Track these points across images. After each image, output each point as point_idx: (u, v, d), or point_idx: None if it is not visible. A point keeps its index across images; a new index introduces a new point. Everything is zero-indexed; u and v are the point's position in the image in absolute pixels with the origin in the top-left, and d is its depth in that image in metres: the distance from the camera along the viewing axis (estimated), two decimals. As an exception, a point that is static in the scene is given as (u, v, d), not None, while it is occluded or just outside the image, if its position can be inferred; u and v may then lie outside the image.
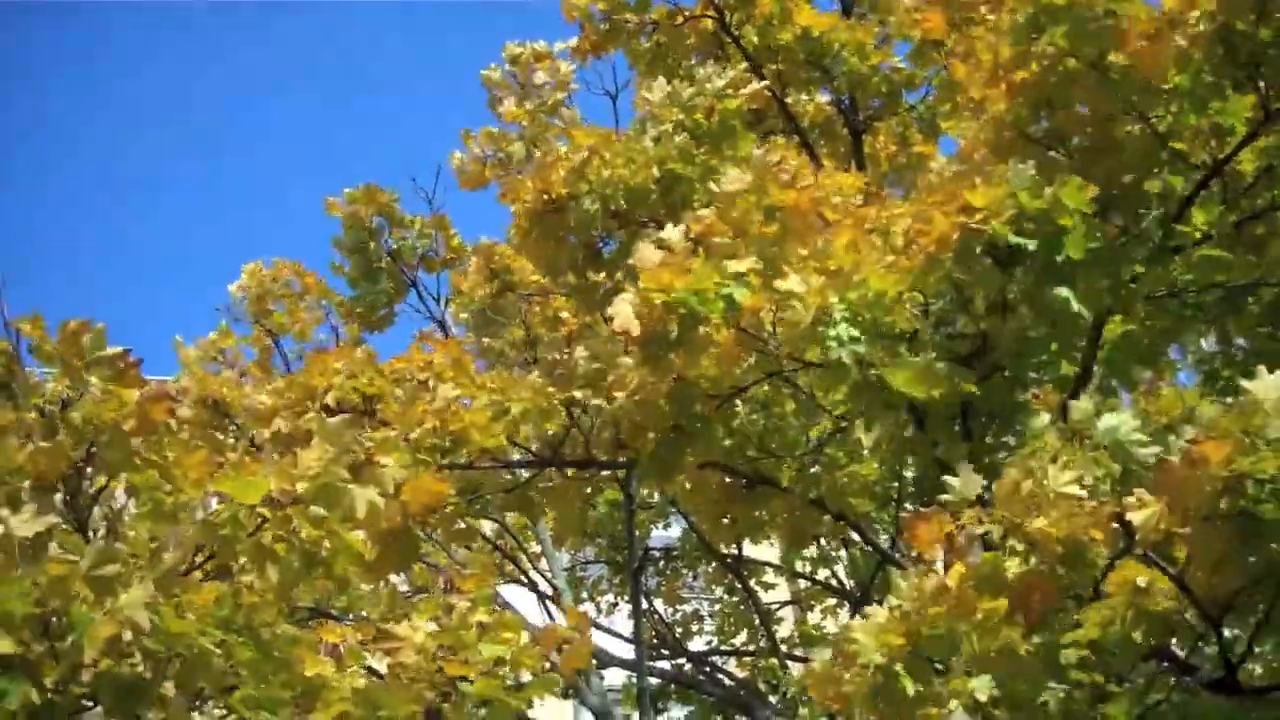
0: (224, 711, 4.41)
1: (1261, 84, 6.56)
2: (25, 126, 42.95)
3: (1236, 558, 4.74)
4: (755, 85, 8.32)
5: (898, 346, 6.48)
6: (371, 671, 6.64)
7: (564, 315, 10.99)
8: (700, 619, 15.52)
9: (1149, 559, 5.02)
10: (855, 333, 6.15)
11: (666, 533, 15.18)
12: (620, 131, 9.26)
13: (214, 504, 4.44)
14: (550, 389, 8.33)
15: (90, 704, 4.21)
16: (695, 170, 8.18)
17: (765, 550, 13.89)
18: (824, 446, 9.60)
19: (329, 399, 7.78)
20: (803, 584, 14.94)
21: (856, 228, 6.45)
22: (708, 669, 14.40)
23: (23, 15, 40.45)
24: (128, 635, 3.80)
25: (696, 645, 15.21)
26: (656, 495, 13.68)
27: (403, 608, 10.71)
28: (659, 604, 15.23)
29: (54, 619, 3.92)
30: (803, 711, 11.27)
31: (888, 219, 6.50)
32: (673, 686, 14.54)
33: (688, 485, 9.47)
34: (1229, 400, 6.37)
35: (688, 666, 14.61)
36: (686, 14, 9.54)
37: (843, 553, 13.52)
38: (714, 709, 14.22)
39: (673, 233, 6.76)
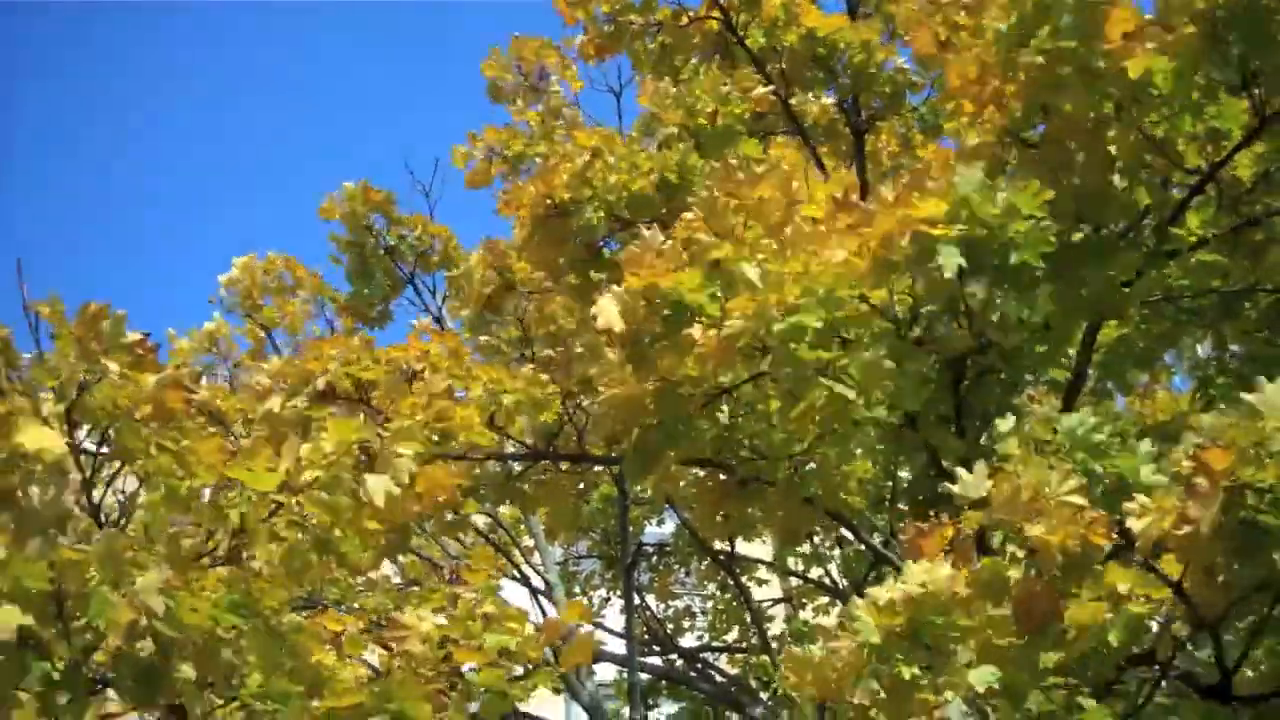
0: (232, 702, 4.46)
1: (1257, 90, 6.58)
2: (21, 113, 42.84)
3: (1235, 566, 4.79)
4: (761, 90, 8.37)
5: (859, 346, 6.43)
6: (367, 665, 6.70)
7: (561, 315, 11.02)
8: (692, 615, 15.56)
9: (1147, 566, 5.07)
10: (806, 321, 6.09)
11: (660, 529, 15.22)
12: (624, 132, 9.34)
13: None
14: (544, 378, 8.40)
15: (101, 685, 4.26)
16: (697, 175, 8.24)
17: (758, 548, 13.94)
18: (816, 446, 9.64)
19: (322, 383, 7.82)
20: (795, 582, 14.98)
21: (829, 227, 6.41)
22: (699, 665, 14.45)
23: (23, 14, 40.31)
24: (142, 620, 3.84)
25: (688, 641, 15.26)
26: (650, 491, 13.72)
27: (396, 599, 10.79)
28: (651, 600, 15.27)
29: (67, 600, 3.96)
30: (787, 711, 11.32)
31: (859, 218, 6.44)
32: (664, 682, 14.60)
33: (681, 482, 9.52)
34: (1223, 408, 6.45)
35: (679, 662, 14.66)
36: (691, 15, 9.57)
37: (835, 551, 13.56)
38: (704, 705, 14.27)
39: (655, 235, 6.77)
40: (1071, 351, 8.17)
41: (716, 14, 9.38)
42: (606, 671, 14.68)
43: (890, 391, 6.44)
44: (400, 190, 29.64)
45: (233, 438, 8.91)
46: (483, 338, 12.22)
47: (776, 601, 15.34)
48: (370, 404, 7.88)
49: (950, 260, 5.92)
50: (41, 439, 3.88)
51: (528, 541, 14.08)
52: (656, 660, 14.76)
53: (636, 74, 10.22)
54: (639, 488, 13.38)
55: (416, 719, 4.48)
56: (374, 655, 6.81)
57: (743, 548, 13.51)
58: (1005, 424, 5.73)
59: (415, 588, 12.45)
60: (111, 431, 4.20)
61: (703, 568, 14.89)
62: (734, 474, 9.14)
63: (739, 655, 15.03)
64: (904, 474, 10.54)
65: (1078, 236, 6.81)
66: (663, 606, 15.43)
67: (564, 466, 9.86)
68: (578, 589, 15.45)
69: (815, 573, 14.11)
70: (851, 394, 6.23)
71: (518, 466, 9.55)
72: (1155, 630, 5.52)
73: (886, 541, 10.80)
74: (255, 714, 4.13)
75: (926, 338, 6.70)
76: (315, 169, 45.78)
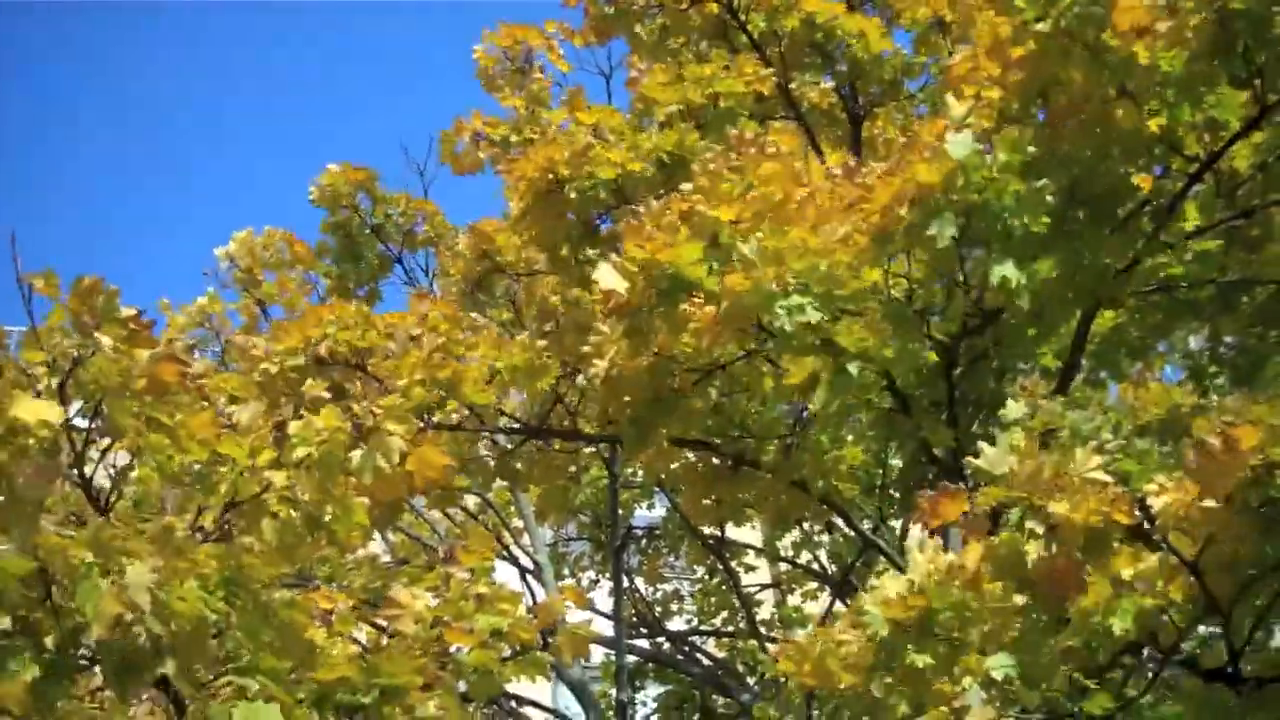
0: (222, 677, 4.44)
1: (1257, 82, 6.57)
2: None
3: (1255, 546, 4.81)
4: (763, 72, 8.34)
5: (855, 319, 6.41)
6: (356, 643, 6.69)
7: (552, 295, 11.00)
8: (680, 599, 15.57)
9: (1166, 545, 5.06)
10: (804, 301, 6.08)
11: (650, 512, 15.22)
12: (618, 112, 9.28)
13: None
14: (540, 345, 8.41)
15: (91, 663, 4.24)
16: (696, 155, 8.22)
17: (747, 532, 13.95)
18: (807, 428, 9.65)
19: (321, 349, 7.82)
20: (784, 567, 15.00)
21: (829, 204, 6.40)
22: (686, 648, 14.48)
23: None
24: (128, 615, 3.82)
25: (676, 625, 15.28)
26: (642, 472, 13.72)
27: (385, 578, 10.77)
28: (640, 582, 15.28)
29: (55, 584, 3.94)
30: (773, 696, 11.34)
31: (857, 195, 6.43)
32: (651, 665, 14.62)
33: (673, 464, 9.53)
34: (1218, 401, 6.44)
35: (666, 645, 14.70)
36: (692, -3, 9.54)
37: (825, 537, 13.58)
38: (691, 688, 14.29)
39: (653, 207, 6.75)
40: (1066, 339, 8.18)
41: (718, -5, 9.35)
42: (594, 653, 14.68)
43: (889, 361, 6.40)
44: (397, 170, 29.57)
45: (223, 413, 8.90)
46: (474, 315, 12.19)
47: (765, 587, 15.36)
48: (367, 370, 7.89)
49: (945, 230, 5.93)
50: (38, 410, 3.85)
51: (517, 523, 14.08)
52: (644, 643, 14.79)
53: (629, 58, 10.16)
54: (629, 470, 13.40)
55: (405, 689, 4.46)
56: (364, 634, 6.82)
57: (732, 532, 13.52)
58: (1016, 409, 5.71)
59: (404, 566, 12.48)
60: (104, 406, 4.17)
61: (692, 552, 14.89)
62: (724, 456, 9.16)
63: (726, 639, 15.05)
64: (894, 461, 10.56)
65: (1080, 213, 6.79)
66: (651, 589, 15.44)
67: (556, 445, 9.85)
68: (567, 571, 15.46)
69: (804, 558, 14.13)
70: (853, 367, 6.20)
71: (509, 446, 9.54)
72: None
73: (876, 528, 10.82)
74: (243, 690, 4.10)
75: (925, 309, 6.69)
76: (318, 150, 45.70)
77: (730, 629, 14.89)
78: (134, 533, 4.01)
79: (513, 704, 12.90)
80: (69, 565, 3.88)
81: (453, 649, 5.21)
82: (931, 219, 6.03)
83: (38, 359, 4.19)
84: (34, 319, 4.16)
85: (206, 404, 8.20)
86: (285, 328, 8.03)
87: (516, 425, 9.12)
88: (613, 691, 12.41)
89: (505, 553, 13.79)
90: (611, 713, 12.18)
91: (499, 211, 10.92)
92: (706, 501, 9.63)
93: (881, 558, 10.49)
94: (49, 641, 3.95)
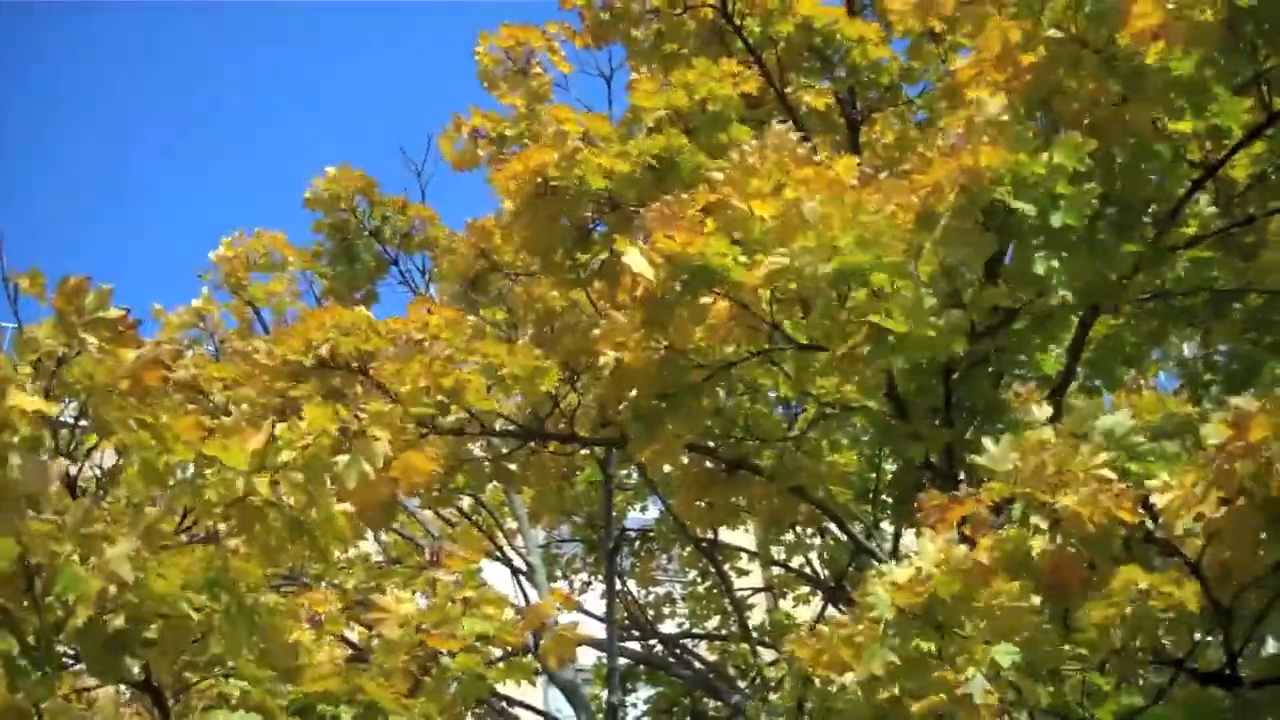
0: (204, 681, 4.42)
1: (1264, 87, 6.55)
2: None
3: (1260, 545, 4.79)
4: (753, 77, 8.32)
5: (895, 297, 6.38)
6: (346, 642, 6.67)
7: (549, 297, 10.97)
8: (673, 601, 15.54)
9: (1168, 544, 5.04)
10: (857, 260, 6.02)
11: (643, 514, 15.21)
12: (615, 116, 9.28)
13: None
14: (539, 351, 8.40)
15: (73, 660, 4.22)
16: (686, 160, 8.22)
17: (740, 536, 13.94)
18: (807, 432, 9.65)
19: (324, 351, 7.81)
20: (776, 571, 14.98)
21: (855, 201, 6.37)
22: (678, 651, 14.46)
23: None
24: (112, 590, 3.80)
25: (668, 627, 15.26)
26: (635, 476, 13.70)
27: (377, 577, 10.73)
28: (632, 585, 15.25)
29: (37, 574, 3.91)
30: (773, 696, 11.32)
31: (885, 195, 6.40)
32: (642, 667, 14.60)
33: (666, 468, 9.51)
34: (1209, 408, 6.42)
35: (658, 648, 14.67)
36: (687, 1, 9.50)
37: (817, 541, 13.55)
38: (683, 691, 14.27)
39: (677, 201, 6.71)
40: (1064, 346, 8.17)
41: (712, 1, 9.31)
42: (586, 655, 14.67)
43: (927, 343, 6.32)
44: (395, 170, 29.41)
45: (213, 413, 8.87)
46: (470, 317, 12.17)
47: (757, 590, 15.34)
48: (368, 374, 7.88)
49: (1025, 209, 5.93)
50: (29, 401, 3.82)
51: (511, 524, 14.05)
52: (636, 645, 14.76)
53: (629, 60, 10.15)
54: (624, 472, 13.38)
55: (386, 710, 4.44)
56: (355, 634, 6.79)
57: (725, 536, 13.51)
58: (1042, 412, 5.69)
59: (397, 565, 12.46)
60: (90, 405, 4.15)
61: (685, 554, 14.88)
62: (720, 460, 9.15)
63: (718, 643, 15.04)
64: (889, 466, 10.55)
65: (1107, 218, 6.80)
66: (644, 592, 15.42)
67: (552, 447, 9.82)
68: (559, 572, 15.43)
69: (796, 562, 14.11)
70: (895, 329, 6.12)
71: (505, 449, 9.52)
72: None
73: (869, 533, 10.80)
74: (226, 695, 4.08)
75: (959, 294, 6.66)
76: (315, 151, 45.68)
77: (722, 633, 14.88)
78: (115, 522, 4.00)
79: (503, 705, 12.87)
80: (50, 554, 3.86)
81: (440, 653, 5.18)
82: (979, 203, 6.06)
83: (26, 358, 4.16)
84: (19, 319, 4.13)
85: (200, 396, 8.24)
86: (287, 331, 8.03)
87: (513, 428, 9.10)
88: (604, 693, 12.40)
89: (498, 554, 13.77)
90: (602, 715, 12.16)
91: (496, 210, 10.89)
92: (700, 504, 9.63)
93: (874, 563, 10.47)
94: (30, 637, 3.93)
